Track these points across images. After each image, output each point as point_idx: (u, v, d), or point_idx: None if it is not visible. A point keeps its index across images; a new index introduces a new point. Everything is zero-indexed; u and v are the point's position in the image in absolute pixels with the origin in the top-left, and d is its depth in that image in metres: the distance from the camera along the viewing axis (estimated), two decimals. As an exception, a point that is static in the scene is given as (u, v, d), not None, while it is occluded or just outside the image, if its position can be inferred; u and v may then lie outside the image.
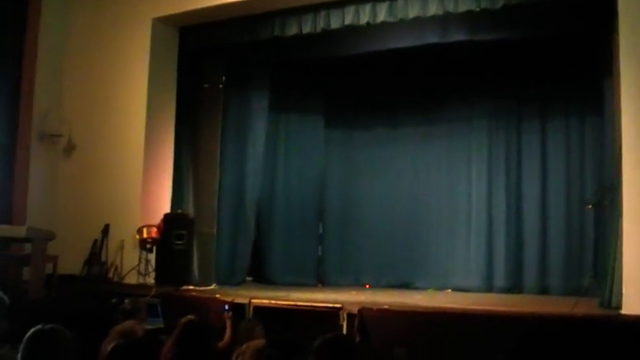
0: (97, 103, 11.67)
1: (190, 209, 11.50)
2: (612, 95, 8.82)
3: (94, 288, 10.22)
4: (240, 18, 11.01)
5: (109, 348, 3.71)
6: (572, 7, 9.25)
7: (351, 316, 7.95)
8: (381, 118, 13.24)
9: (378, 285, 12.36)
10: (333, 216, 13.48)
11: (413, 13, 9.72)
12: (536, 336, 6.93)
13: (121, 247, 11.08)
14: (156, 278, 10.58)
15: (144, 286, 10.15)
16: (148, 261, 10.82)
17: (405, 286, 12.22)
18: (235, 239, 12.05)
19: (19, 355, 3.51)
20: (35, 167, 11.30)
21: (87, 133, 11.63)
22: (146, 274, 10.77)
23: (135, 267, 10.82)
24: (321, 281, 12.98)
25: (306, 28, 10.52)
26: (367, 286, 12.31)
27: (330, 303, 8.49)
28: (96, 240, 11.15)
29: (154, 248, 10.78)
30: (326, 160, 13.56)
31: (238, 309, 8.17)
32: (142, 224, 10.76)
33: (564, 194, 11.47)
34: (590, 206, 10.47)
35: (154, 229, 10.69)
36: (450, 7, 9.46)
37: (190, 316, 5.75)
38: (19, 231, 9.66)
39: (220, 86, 11.84)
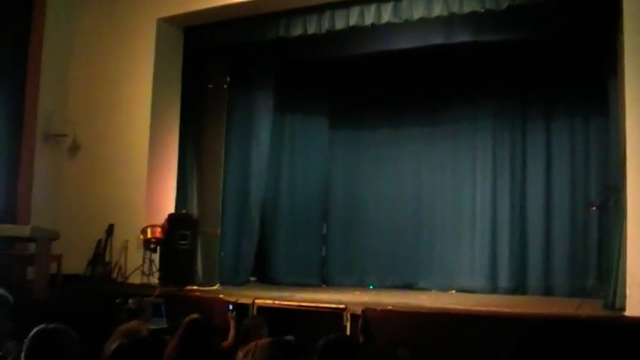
0: (102, 104, 11.68)
1: (194, 209, 11.52)
2: (617, 96, 8.80)
3: (98, 288, 10.23)
4: (245, 18, 11.01)
5: (113, 347, 3.70)
6: (576, 8, 9.24)
7: (354, 317, 7.95)
8: (385, 119, 13.24)
9: (382, 285, 12.38)
10: (337, 216, 13.49)
11: (417, 13, 9.72)
12: (539, 337, 6.92)
13: (125, 247, 11.08)
14: (160, 278, 10.58)
15: (148, 286, 10.14)
16: (152, 261, 10.82)
17: (409, 286, 12.24)
18: (239, 239, 12.07)
19: (23, 355, 3.52)
20: (40, 167, 11.30)
21: (91, 133, 11.64)
22: (150, 274, 10.77)
23: (139, 267, 10.82)
24: (325, 282, 12.98)
25: (311, 29, 10.52)
26: (370, 287, 12.31)
27: (334, 303, 8.49)
28: (100, 240, 11.16)
29: (158, 248, 10.78)
30: (330, 161, 13.58)
31: (242, 309, 8.16)
32: (146, 224, 10.76)
33: (568, 195, 11.46)
34: (594, 207, 10.46)
35: (158, 229, 10.69)
36: (455, 8, 9.46)
37: (194, 315, 5.75)
38: (24, 230, 9.67)
39: (225, 86, 11.88)
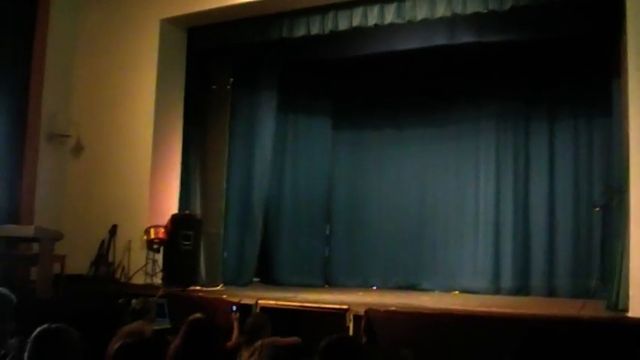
0: (106, 104, 11.70)
1: (198, 210, 11.53)
2: (620, 97, 8.80)
3: (102, 288, 10.24)
4: (249, 19, 11.02)
5: (115, 347, 3.71)
6: (579, 9, 9.24)
7: (357, 318, 7.94)
8: (388, 119, 13.23)
9: (385, 286, 12.38)
10: (340, 217, 13.49)
11: (421, 14, 9.72)
12: (542, 338, 6.92)
13: (129, 248, 11.09)
14: (163, 279, 10.58)
15: (151, 287, 10.16)
16: (155, 261, 10.84)
17: (412, 287, 12.23)
18: (242, 240, 12.09)
19: (26, 354, 3.53)
20: (43, 167, 11.32)
21: (95, 133, 11.66)
22: (153, 274, 10.80)
23: (142, 267, 10.84)
24: (328, 282, 12.98)
25: (315, 29, 10.53)
26: (373, 288, 12.31)
27: (337, 304, 8.49)
28: (103, 240, 11.17)
29: (161, 249, 10.79)
30: (333, 161, 13.58)
31: (245, 310, 8.17)
32: (149, 225, 10.77)
33: (572, 196, 11.46)
34: (597, 208, 10.45)
35: (162, 230, 10.70)
36: (458, 9, 9.46)
37: (197, 314, 5.76)
38: (27, 231, 9.71)
39: (228, 87, 11.88)
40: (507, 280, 11.67)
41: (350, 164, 13.58)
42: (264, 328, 6.56)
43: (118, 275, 11.11)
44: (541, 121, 11.87)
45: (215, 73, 12.01)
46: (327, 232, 13.44)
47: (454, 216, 12.53)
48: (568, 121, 11.68)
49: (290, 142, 13.38)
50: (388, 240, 12.85)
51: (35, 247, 9.97)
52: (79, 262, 10.81)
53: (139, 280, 10.80)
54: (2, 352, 4.60)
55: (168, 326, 7.91)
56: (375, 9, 10.02)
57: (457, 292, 11.82)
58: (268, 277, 12.80)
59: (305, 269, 12.83)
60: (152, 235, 10.69)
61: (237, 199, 12.06)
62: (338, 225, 13.48)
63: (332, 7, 10.38)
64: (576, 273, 11.15)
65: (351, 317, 8.00)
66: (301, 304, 8.71)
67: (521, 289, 11.52)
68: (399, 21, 9.92)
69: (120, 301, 7.98)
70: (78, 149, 11.76)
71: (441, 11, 9.57)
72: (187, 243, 10.62)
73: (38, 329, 3.59)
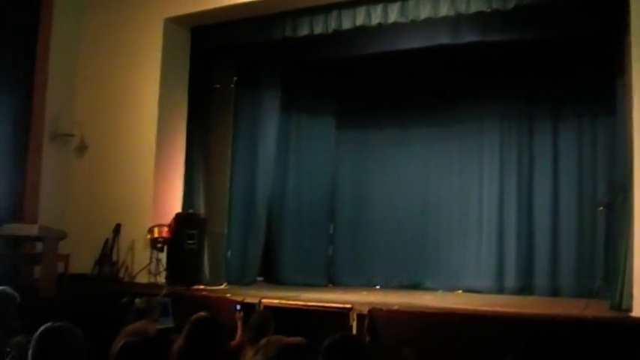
0: (109, 103, 11.71)
1: (201, 209, 11.54)
2: (624, 96, 8.79)
3: (105, 287, 10.25)
4: (252, 18, 11.03)
5: (119, 346, 3.72)
6: (583, 8, 9.23)
7: (361, 317, 7.95)
8: (392, 119, 13.22)
9: (389, 286, 12.36)
10: (343, 216, 13.49)
11: (424, 13, 9.72)
12: (546, 338, 6.92)
13: (132, 247, 11.11)
14: (167, 278, 10.59)
15: (155, 286, 10.16)
16: (158, 260, 10.84)
17: (416, 286, 12.22)
18: (246, 239, 12.09)
19: (30, 353, 3.54)
20: (47, 167, 11.35)
21: (99, 133, 11.66)
22: (157, 273, 10.80)
23: (146, 266, 10.85)
24: (332, 281, 12.97)
25: (318, 29, 10.53)
26: (377, 287, 12.31)
27: (340, 303, 8.49)
28: (107, 239, 11.18)
29: (165, 248, 10.80)
30: (337, 161, 13.57)
31: (249, 309, 8.17)
32: (153, 224, 10.79)
33: (576, 195, 11.45)
34: (601, 208, 10.45)
35: (165, 229, 10.70)
36: (462, 8, 9.45)
37: (201, 313, 5.76)
38: (31, 230, 9.73)
39: (232, 86, 11.89)
40: (511, 279, 11.66)
41: (353, 164, 13.57)
42: (269, 325, 6.56)
43: (121, 274, 11.13)
44: (545, 120, 11.86)
45: (218, 73, 12.02)
46: (331, 232, 13.45)
47: (458, 215, 12.52)
48: (572, 121, 11.67)
49: (293, 142, 13.38)
50: (392, 239, 12.84)
51: (39, 246, 9.99)
52: (82, 262, 10.81)
53: (142, 279, 10.80)
54: (6, 349, 4.62)
55: (171, 325, 7.89)
56: (379, 8, 10.02)
57: (461, 291, 11.81)
58: (272, 277, 12.80)
59: (308, 268, 12.81)
60: (156, 234, 10.70)
61: (241, 198, 12.07)
62: (341, 224, 13.48)
63: (335, 6, 10.37)
64: (580, 272, 11.14)
65: (355, 316, 8.01)
66: (305, 303, 8.71)
67: (525, 288, 11.51)
68: (402, 20, 9.92)
69: (123, 300, 7.98)
70: (82, 148, 11.77)
71: (444, 10, 9.57)
72: (191, 242, 10.63)
73: (42, 327, 3.61)
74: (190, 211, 11.28)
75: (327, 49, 11.33)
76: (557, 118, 11.77)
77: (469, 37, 10.19)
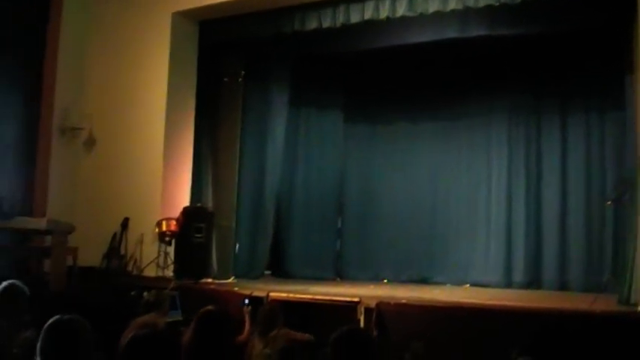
0: (118, 97, 11.73)
1: (209, 203, 11.56)
2: (633, 91, 8.76)
3: (114, 281, 10.28)
4: (260, 12, 11.01)
5: (128, 339, 3.73)
6: (591, 2, 9.23)
7: (368, 311, 7.96)
8: (400, 113, 13.22)
9: (397, 280, 12.38)
10: (352, 210, 13.51)
11: (433, 7, 9.69)
12: (554, 332, 6.92)
13: (141, 240, 11.11)
14: (175, 271, 10.61)
15: (163, 279, 10.19)
16: (167, 254, 10.86)
17: (424, 280, 12.24)
18: (254, 233, 12.11)
19: (38, 345, 3.56)
20: (56, 160, 11.37)
21: (107, 126, 11.68)
22: (165, 267, 10.82)
23: (154, 260, 10.86)
24: (340, 275, 13.00)
25: (326, 23, 10.51)
26: (384, 281, 12.31)
27: (348, 297, 8.50)
28: (115, 233, 11.20)
29: (173, 241, 10.82)
30: (345, 155, 13.59)
31: (256, 302, 8.18)
32: (161, 217, 10.81)
33: (584, 190, 11.43)
34: (609, 202, 10.43)
35: (173, 223, 10.72)
36: (470, 2, 9.43)
37: (209, 307, 5.76)
38: (40, 223, 9.76)
39: (240, 80, 11.91)
40: (519, 273, 11.66)
41: (362, 158, 13.57)
42: (277, 317, 6.57)
43: (130, 268, 11.15)
44: (553, 115, 11.84)
45: (227, 67, 12.02)
46: (339, 226, 13.47)
47: (466, 209, 12.52)
48: (580, 115, 11.65)
49: (302, 136, 13.40)
50: (400, 233, 12.85)
51: (48, 239, 10.04)
52: (91, 255, 10.83)
53: (150, 272, 10.82)
54: (13, 351, 4.65)
55: (180, 319, 7.92)
56: (387, 2, 9.99)
57: (469, 285, 11.82)
58: (280, 270, 12.83)
59: (316, 262, 12.83)
60: (164, 228, 10.72)
61: (249, 191, 12.09)
62: (349, 218, 13.50)
63: (343, 0, 10.36)
64: (588, 267, 11.14)
65: (362, 310, 8.02)
66: (312, 296, 8.73)
67: (533, 282, 11.51)
68: (410, 14, 9.89)
69: (132, 293, 8.01)
70: (90, 142, 11.79)
71: (452, 4, 9.53)
72: (199, 236, 10.65)
73: (51, 320, 3.63)
74: (198, 204, 11.29)
75: (336, 43, 11.31)
76: (566, 112, 11.76)
77: (477, 31, 10.15)
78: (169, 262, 10.82)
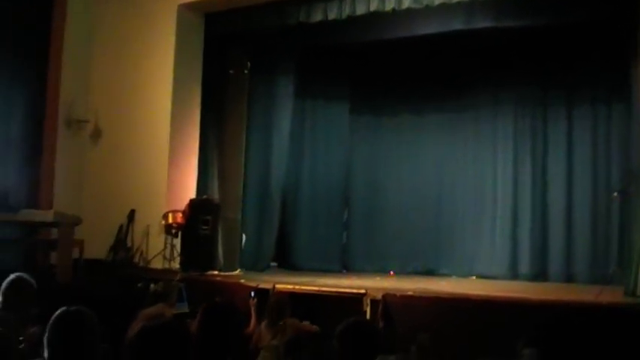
0: (124, 90, 11.72)
1: (216, 195, 11.54)
2: (639, 83, 8.74)
3: (120, 273, 10.30)
4: (266, 4, 10.99)
5: (137, 329, 3.74)
6: (597, -6, 9.20)
7: (374, 302, 7.96)
8: (406, 105, 13.21)
9: (403, 271, 12.37)
10: (358, 202, 13.50)
11: (438, -1, 9.68)
12: (560, 324, 6.92)
13: (147, 232, 11.12)
14: (181, 263, 10.62)
15: (169, 271, 10.21)
16: (173, 246, 10.88)
17: (430, 272, 12.25)
18: (260, 225, 12.11)
19: (46, 336, 3.57)
20: (62, 153, 11.37)
21: (113, 119, 11.69)
22: (171, 259, 10.83)
23: (160, 252, 10.88)
24: (346, 267, 12.98)
25: (332, 15, 10.48)
26: (391, 273, 12.31)
27: (354, 289, 8.52)
28: (122, 225, 11.21)
29: (180, 233, 10.83)
30: (351, 147, 13.56)
31: (262, 295, 8.19)
32: (167, 209, 10.83)
33: (590, 182, 11.41)
34: (615, 194, 10.41)
35: (180, 215, 10.74)
36: (476, -6, 9.42)
37: (215, 299, 5.78)
38: (47, 215, 9.78)
39: (246, 72, 11.90)
40: (525, 265, 11.66)
41: (368, 149, 13.57)
42: (285, 308, 6.59)
43: (136, 260, 11.16)
44: (559, 106, 11.82)
45: (232, 59, 12.01)
46: (345, 218, 13.47)
47: (472, 201, 12.51)
48: (586, 107, 11.62)
49: (308, 128, 13.38)
50: (406, 225, 12.86)
51: (54, 232, 10.07)
52: (97, 247, 10.85)
53: (157, 264, 10.84)
54: (20, 337, 4.67)
55: (186, 310, 7.93)
56: (393, -7, 9.99)
57: (475, 277, 11.82)
58: (286, 262, 12.84)
59: (323, 254, 12.83)
60: (170, 220, 10.74)
61: (255, 184, 12.09)
62: (356, 210, 13.50)
63: (349, -8, 10.35)
64: (594, 259, 11.13)
65: (369, 302, 8.03)
66: (319, 288, 8.75)
67: (539, 274, 11.51)
68: (416, 6, 9.85)
69: (138, 285, 8.03)
70: (96, 135, 11.80)
71: (458, -5, 9.54)
72: (205, 228, 10.65)
73: (58, 312, 3.64)
74: (205, 196, 11.27)
75: (342, 35, 11.30)
76: (572, 104, 11.73)
77: (483, 22, 10.11)
78: (176, 254, 10.83)
